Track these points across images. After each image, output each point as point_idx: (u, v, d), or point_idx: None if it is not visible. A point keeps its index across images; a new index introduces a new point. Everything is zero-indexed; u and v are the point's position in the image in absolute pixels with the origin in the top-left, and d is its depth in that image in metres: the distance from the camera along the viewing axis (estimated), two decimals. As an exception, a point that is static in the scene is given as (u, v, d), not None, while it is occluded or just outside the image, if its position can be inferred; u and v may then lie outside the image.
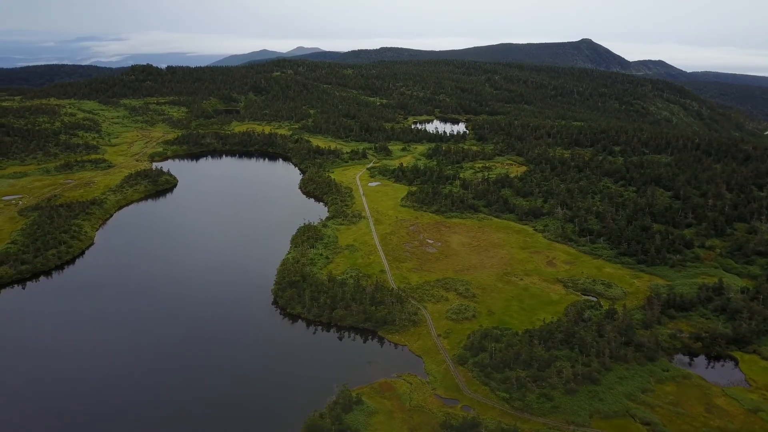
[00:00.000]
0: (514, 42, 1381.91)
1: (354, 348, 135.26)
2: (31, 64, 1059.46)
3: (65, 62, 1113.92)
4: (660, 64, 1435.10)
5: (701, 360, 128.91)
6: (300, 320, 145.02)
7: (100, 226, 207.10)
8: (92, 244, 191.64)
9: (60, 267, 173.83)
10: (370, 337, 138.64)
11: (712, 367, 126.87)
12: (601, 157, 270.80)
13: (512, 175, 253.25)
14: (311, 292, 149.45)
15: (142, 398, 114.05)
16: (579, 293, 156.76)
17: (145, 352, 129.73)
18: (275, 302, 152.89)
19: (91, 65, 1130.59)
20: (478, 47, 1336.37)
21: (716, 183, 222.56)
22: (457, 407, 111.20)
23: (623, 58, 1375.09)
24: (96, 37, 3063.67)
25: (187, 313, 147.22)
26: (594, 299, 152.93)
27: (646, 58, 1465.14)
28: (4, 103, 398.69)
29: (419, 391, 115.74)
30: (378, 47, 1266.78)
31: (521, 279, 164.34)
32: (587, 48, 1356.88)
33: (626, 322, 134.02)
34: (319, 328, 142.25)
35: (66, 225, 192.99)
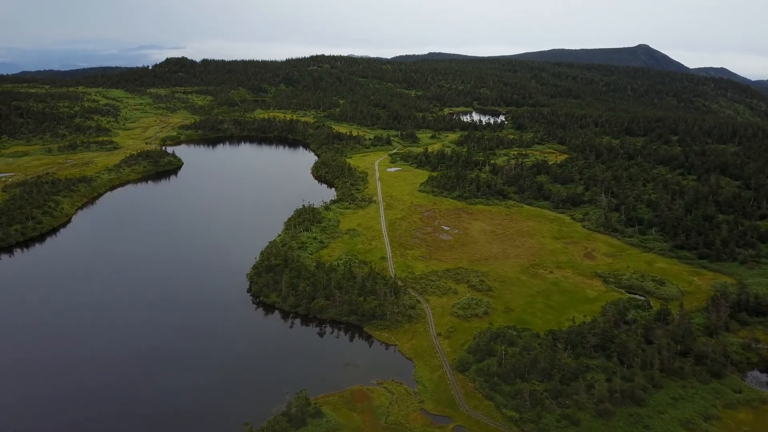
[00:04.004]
0: (567, 48, 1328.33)
1: (332, 346, 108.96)
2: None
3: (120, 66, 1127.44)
4: (722, 71, 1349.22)
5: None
6: (276, 311, 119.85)
7: (84, 205, 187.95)
8: (68, 221, 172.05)
9: (24, 244, 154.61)
10: (355, 333, 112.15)
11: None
12: (655, 146, 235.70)
13: (551, 162, 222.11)
14: (290, 278, 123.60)
15: (70, 388, 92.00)
16: (622, 291, 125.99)
17: (88, 341, 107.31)
18: (250, 289, 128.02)
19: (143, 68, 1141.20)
20: (528, 53, 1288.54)
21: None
22: (447, 427, 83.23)
23: (682, 65, 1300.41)
24: (156, 45, 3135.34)
25: (148, 300, 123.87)
26: (642, 298, 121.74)
27: (707, 66, 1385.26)
28: (32, 90, 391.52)
29: (401, 404, 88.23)
30: (426, 53, 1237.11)
31: (551, 272, 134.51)
32: (644, 53, 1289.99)
33: (683, 326, 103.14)
34: (297, 320, 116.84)
35: (42, 200, 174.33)
